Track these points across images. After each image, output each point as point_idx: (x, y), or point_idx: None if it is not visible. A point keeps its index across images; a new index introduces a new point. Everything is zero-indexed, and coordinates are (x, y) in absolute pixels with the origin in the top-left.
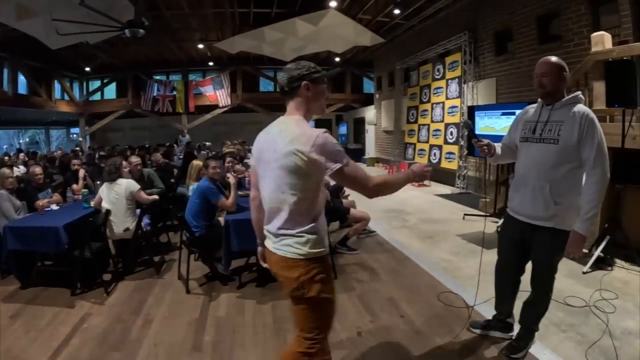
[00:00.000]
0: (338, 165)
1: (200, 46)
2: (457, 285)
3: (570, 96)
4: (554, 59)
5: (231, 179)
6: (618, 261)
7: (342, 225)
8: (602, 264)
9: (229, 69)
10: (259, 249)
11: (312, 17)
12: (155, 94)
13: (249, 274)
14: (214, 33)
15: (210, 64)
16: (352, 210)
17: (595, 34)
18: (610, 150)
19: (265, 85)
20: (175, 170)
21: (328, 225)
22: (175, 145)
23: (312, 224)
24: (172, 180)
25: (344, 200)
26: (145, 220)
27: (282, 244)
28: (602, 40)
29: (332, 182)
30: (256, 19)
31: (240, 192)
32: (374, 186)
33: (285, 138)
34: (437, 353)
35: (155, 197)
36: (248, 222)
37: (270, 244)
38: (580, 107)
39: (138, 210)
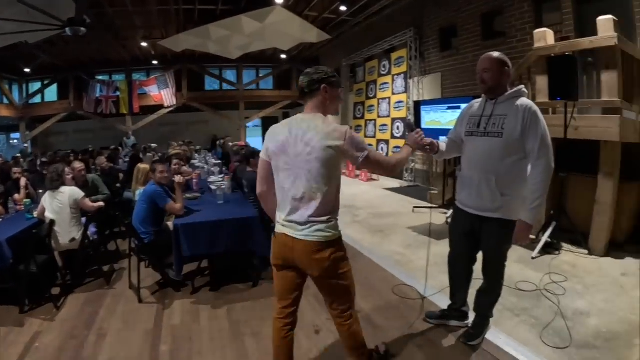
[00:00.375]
0: (365, 153)
1: (144, 44)
2: (410, 277)
3: (513, 90)
4: (495, 54)
5: (178, 181)
6: (565, 245)
7: None
8: (550, 248)
9: (174, 68)
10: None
11: (258, 14)
12: (98, 95)
13: (202, 278)
14: (158, 31)
15: (155, 62)
16: None
17: (538, 30)
18: (553, 141)
19: (211, 84)
20: (121, 175)
21: None
22: (120, 148)
23: (337, 210)
24: (118, 185)
25: None
26: (92, 229)
27: (313, 230)
28: (545, 37)
29: None
30: (201, 16)
31: (188, 195)
32: (394, 166)
33: (318, 134)
34: (396, 345)
35: (101, 204)
36: (198, 226)
37: (293, 232)
38: (523, 101)
39: (84, 219)
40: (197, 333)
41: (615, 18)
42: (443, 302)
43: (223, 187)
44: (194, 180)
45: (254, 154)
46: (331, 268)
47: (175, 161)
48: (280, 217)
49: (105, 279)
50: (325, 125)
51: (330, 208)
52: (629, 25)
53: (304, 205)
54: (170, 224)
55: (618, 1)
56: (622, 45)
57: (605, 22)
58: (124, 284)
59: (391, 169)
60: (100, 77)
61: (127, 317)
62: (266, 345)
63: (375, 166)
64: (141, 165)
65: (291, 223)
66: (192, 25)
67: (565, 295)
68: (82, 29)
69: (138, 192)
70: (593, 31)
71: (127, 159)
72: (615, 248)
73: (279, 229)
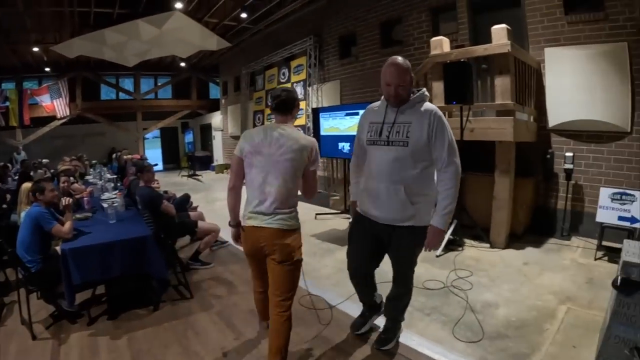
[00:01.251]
0: (316, 167)
1: (36, 49)
2: (317, 286)
3: (416, 95)
4: (404, 65)
5: (64, 201)
6: (467, 241)
7: (192, 240)
8: (453, 245)
9: (68, 76)
10: (233, 230)
11: (156, 19)
12: None
13: (99, 307)
14: (51, 35)
15: (47, 69)
16: (200, 223)
17: (434, 38)
18: None
19: (107, 93)
20: (8, 196)
21: (176, 241)
22: (9, 165)
23: (296, 205)
24: (4, 206)
25: (191, 213)
26: None
27: (277, 219)
28: (441, 44)
29: (178, 195)
30: (97, 20)
31: (78, 215)
32: (316, 190)
33: (292, 139)
34: (308, 358)
35: None
36: (87, 250)
37: (258, 221)
38: (428, 106)
39: None
40: None
41: (508, 27)
42: (351, 309)
43: (115, 204)
44: (85, 199)
45: (144, 167)
46: (290, 253)
47: (63, 178)
48: (247, 209)
49: None
50: (299, 134)
51: (292, 202)
52: (521, 33)
53: (271, 198)
54: (58, 248)
55: (511, 11)
56: (515, 51)
57: (499, 31)
58: (15, 319)
59: (315, 191)
60: None
61: (20, 358)
62: None
63: (312, 182)
64: (25, 185)
65: (257, 214)
66: (87, 30)
67: (472, 289)
68: None
69: (23, 215)
70: (487, 39)
71: (16, 177)
72: (515, 240)
73: (246, 222)
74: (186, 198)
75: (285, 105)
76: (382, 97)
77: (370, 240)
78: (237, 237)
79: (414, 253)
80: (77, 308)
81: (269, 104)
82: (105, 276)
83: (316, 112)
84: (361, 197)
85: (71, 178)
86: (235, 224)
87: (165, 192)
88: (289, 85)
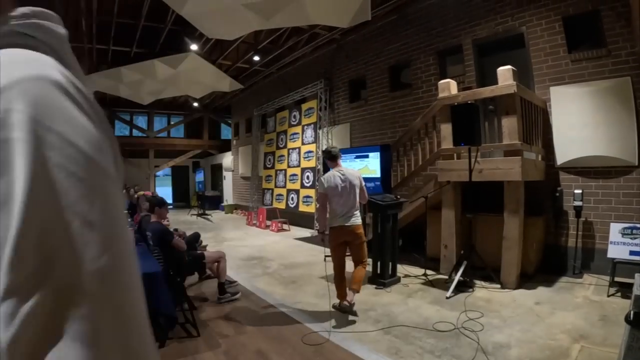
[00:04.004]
0: (363, 184)
1: None
2: (324, 328)
3: None
4: None
5: None
6: (477, 282)
7: (200, 277)
8: (463, 287)
9: None
10: (321, 235)
11: (172, 59)
12: None
13: None
14: None
15: None
16: (205, 253)
17: (442, 81)
18: (459, 184)
19: (121, 130)
20: None
21: (185, 279)
22: None
23: (359, 209)
24: None
25: (200, 251)
26: None
27: (355, 218)
28: (449, 87)
29: (188, 233)
30: (115, 57)
31: None
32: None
33: (353, 176)
34: None
35: None
36: None
37: (344, 221)
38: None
39: None
40: None
41: (513, 68)
42: (348, 344)
43: None
44: None
45: (162, 203)
46: (361, 237)
47: None
48: (334, 218)
49: None
50: (351, 170)
51: (357, 208)
52: (527, 73)
53: (351, 209)
54: None
55: (516, 52)
56: (521, 92)
57: (505, 72)
58: None
59: (367, 198)
60: None
61: None
62: None
63: (363, 194)
64: None
65: (344, 217)
66: (105, 66)
67: (483, 330)
68: None
69: None
70: (493, 80)
71: None
72: (527, 279)
73: (335, 224)
74: (196, 236)
75: (336, 157)
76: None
77: None
78: (323, 239)
79: None
80: None
81: (325, 156)
82: None
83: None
84: None
85: None
86: (322, 231)
87: (175, 229)
88: (299, 128)
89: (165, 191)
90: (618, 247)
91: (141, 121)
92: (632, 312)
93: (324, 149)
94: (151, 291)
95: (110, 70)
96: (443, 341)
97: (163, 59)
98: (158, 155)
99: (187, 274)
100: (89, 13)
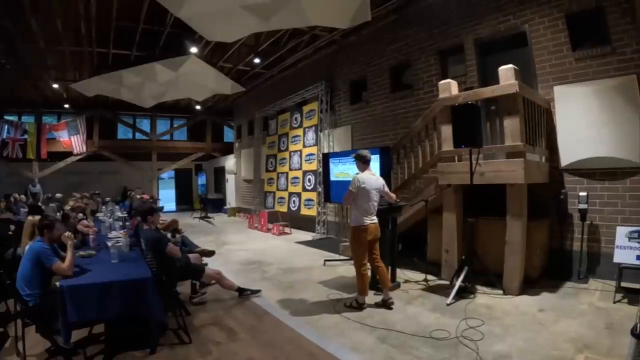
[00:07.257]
0: (387, 186)
1: (56, 86)
2: (319, 335)
3: None
4: None
5: (67, 239)
6: (479, 288)
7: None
8: (465, 292)
9: (86, 113)
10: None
11: (172, 62)
12: (5, 137)
13: (96, 346)
14: (70, 73)
15: (66, 106)
16: (206, 269)
17: (442, 81)
18: (461, 187)
19: (124, 132)
20: (12, 226)
21: (178, 285)
22: (24, 196)
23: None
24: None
25: (190, 255)
26: None
27: (375, 218)
28: (449, 87)
29: (189, 236)
30: (115, 61)
31: (81, 252)
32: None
33: (378, 180)
34: None
35: None
36: (84, 288)
37: (371, 220)
38: None
39: None
40: None
41: (515, 67)
42: (343, 353)
43: (119, 244)
44: (91, 236)
45: (152, 210)
46: (378, 235)
47: (72, 214)
48: (366, 216)
49: None
50: (377, 176)
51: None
52: (530, 73)
53: (374, 209)
54: (58, 283)
55: (519, 51)
56: (523, 91)
57: (507, 71)
58: (11, 352)
59: (393, 197)
60: (8, 117)
61: None
62: None
63: (387, 196)
64: (29, 218)
65: (372, 216)
66: (105, 70)
67: (483, 339)
68: None
69: (26, 248)
70: (496, 80)
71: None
72: (530, 285)
73: (367, 222)
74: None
75: (369, 161)
76: None
77: None
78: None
79: None
80: (73, 345)
81: (359, 159)
82: (102, 316)
83: (326, 158)
84: None
85: (80, 215)
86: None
87: (173, 236)
88: (300, 130)
89: (168, 194)
90: (624, 252)
91: (144, 124)
92: (638, 326)
93: (356, 153)
94: (141, 297)
95: (111, 73)
96: (441, 351)
97: (163, 62)
98: (161, 158)
99: (181, 279)
100: (88, 17)
